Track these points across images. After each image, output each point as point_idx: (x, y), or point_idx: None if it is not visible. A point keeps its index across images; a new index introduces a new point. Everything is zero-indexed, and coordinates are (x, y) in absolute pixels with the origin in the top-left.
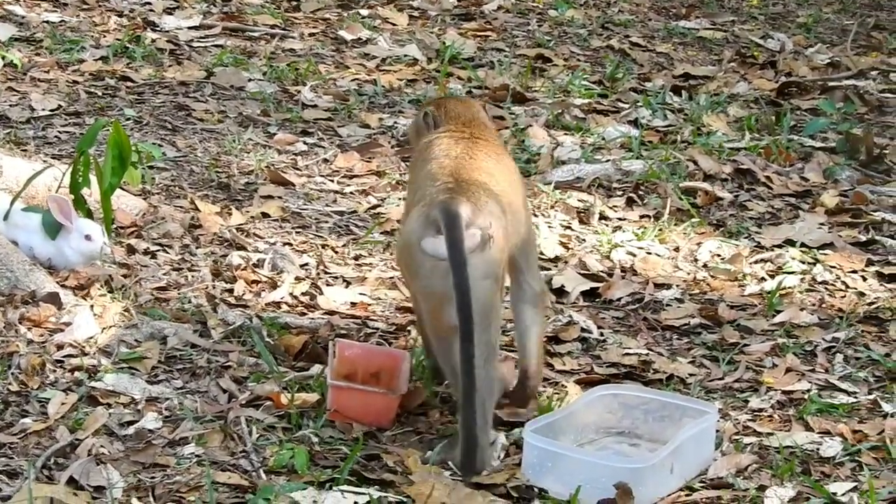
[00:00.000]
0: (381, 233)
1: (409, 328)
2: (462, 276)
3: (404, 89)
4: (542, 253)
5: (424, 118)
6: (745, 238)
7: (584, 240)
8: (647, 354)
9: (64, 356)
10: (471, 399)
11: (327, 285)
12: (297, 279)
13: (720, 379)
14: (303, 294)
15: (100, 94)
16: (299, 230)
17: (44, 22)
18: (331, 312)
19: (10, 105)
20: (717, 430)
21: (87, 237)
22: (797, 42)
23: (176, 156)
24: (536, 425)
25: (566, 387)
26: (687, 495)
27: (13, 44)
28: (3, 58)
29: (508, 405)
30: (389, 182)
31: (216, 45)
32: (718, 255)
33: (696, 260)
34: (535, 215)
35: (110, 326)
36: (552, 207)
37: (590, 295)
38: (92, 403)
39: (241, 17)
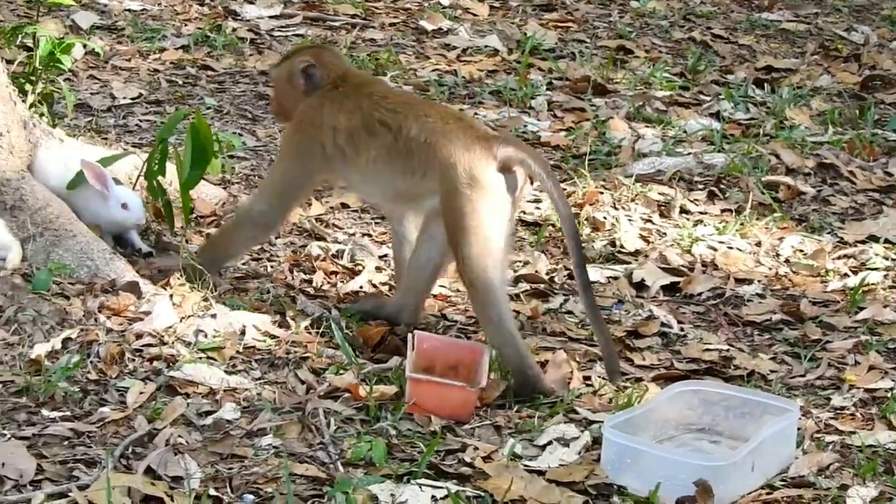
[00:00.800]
0: None
1: None
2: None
3: (485, 80)
4: (622, 246)
5: (307, 70)
6: (828, 233)
7: (664, 233)
8: (727, 350)
9: (143, 345)
10: (597, 313)
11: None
12: (377, 270)
13: (802, 376)
14: (381, 285)
15: (180, 82)
16: (378, 221)
17: (125, 10)
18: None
19: (92, 93)
20: (799, 428)
21: (124, 206)
22: (881, 35)
23: (255, 145)
24: (616, 421)
25: (645, 382)
26: (767, 493)
27: (95, 32)
28: (85, 46)
29: None
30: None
31: (297, 35)
32: (800, 251)
33: (777, 255)
34: (616, 208)
35: (189, 316)
36: (633, 200)
37: (670, 289)
38: (170, 393)
39: (322, 7)
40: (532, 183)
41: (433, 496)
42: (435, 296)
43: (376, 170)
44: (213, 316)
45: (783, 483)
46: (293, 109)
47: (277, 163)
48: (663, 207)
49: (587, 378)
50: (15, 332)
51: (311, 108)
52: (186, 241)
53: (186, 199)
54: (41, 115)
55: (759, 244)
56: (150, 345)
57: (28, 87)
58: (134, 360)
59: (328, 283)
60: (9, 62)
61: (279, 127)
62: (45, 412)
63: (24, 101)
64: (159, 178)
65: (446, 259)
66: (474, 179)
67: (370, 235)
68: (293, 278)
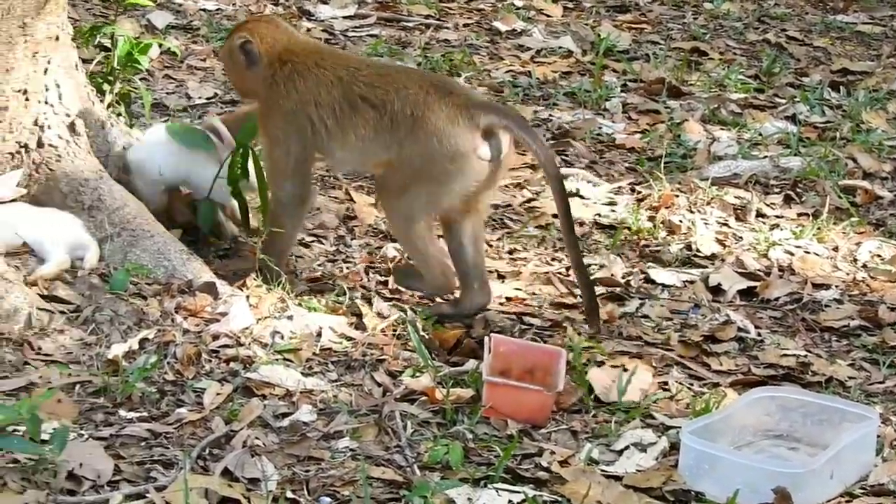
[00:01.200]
0: (536, 227)
1: (564, 324)
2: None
3: (559, 81)
4: (698, 250)
5: (244, 46)
6: None
7: (740, 237)
8: (805, 356)
9: (219, 346)
10: (583, 267)
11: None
12: None
13: (881, 382)
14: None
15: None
16: None
17: (200, 10)
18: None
19: (168, 93)
20: (878, 436)
21: None
22: None
23: None
24: (694, 427)
25: (723, 388)
26: (847, 501)
27: (170, 32)
28: (160, 45)
29: None
30: (544, 176)
31: (371, 35)
32: (878, 256)
33: (855, 260)
34: (691, 211)
35: (266, 317)
36: (708, 204)
37: (747, 294)
38: (247, 394)
39: (396, 7)
40: (517, 145)
41: (510, 500)
42: (510, 299)
43: (360, 146)
44: (290, 318)
45: (862, 491)
46: (252, 86)
47: (272, 146)
48: (739, 211)
49: (664, 383)
50: (92, 332)
51: (281, 83)
52: (263, 243)
53: (265, 200)
54: (118, 114)
55: (836, 249)
56: (226, 346)
57: (106, 87)
58: (211, 361)
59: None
60: (86, 62)
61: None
62: (122, 412)
63: (101, 101)
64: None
65: (476, 226)
66: (458, 154)
67: (443, 237)
68: (368, 280)
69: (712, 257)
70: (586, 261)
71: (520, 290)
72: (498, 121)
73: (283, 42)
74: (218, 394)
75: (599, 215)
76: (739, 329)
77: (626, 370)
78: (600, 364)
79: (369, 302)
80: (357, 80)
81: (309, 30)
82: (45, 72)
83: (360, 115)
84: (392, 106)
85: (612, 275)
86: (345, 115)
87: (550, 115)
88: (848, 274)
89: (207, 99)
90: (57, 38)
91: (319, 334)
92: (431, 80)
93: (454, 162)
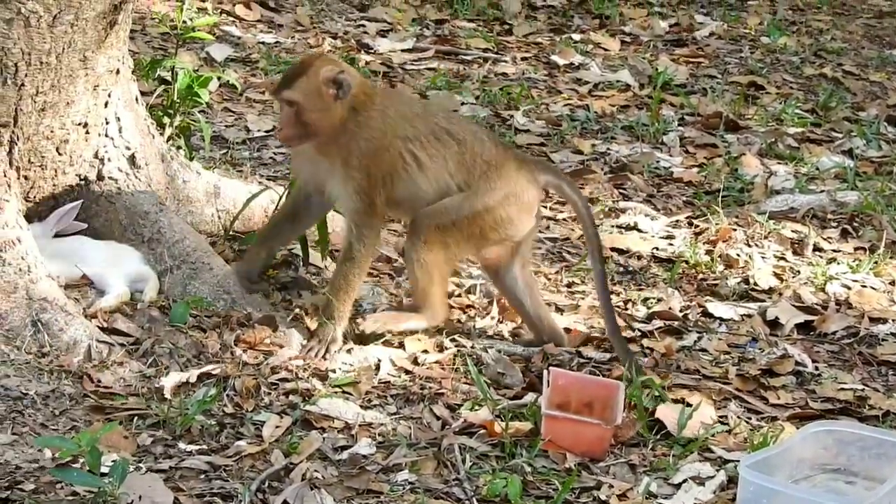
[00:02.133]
0: None
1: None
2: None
3: (616, 115)
4: (755, 284)
5: (337, 78)
6: None
7: (798, 271)
8: (862, 390)
9: (278, 379)
10: (612, 311)
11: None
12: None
13: None
14: (512, 322)
15: None
16: None
17: (259, 43)
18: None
19: (227, 125)
20: None
21: None
22: None
23: None
24: (752, 461)
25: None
26: None
27: (229, 64)
28: (219, 78)
29: None
30: (603, 209)
31: (429, 69)
32: None
33: None
34: (749, 245)
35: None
36: (766, 238)
37: (804, 328)
38: (306, 427)
39: (454, 41)
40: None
41: None
42: (569, 331)
43: (446, 180)
44: (349, 350)
45: None
46: (323, 126)
47: (359, 185)
48: (797, 245)
49: (722, 417)
50: (151, 364)
51: (365, 119)
52: (323, 275)
53: (324, 229)
54: (178, 147)
55: (893, 283)
56: (285, 379)
57: (165, 119)
58: (269, 393)
59: (462, 317)
60: (145, 94)
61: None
62: (181, 445)
63: (161, 133)
64: None
65: (526, 269)
66: (527, 206)
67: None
68: None
69: (770, 291)
70: (644, 294)
71: (579, 323)
72: (554, 181)
73: (357, 78)
74: (277, 426)
75: (657, 248)
76: (797, 363)
77: (687, 404)
78: (658, 398)
79: (428, 335)
80: (433, 115)
81: (367, 63)
82: (106, 105)
83: (447, 147)
84: (471, 146)
85: (670, 308)
86: (433, 147)
87: (608, 149)
88: None
89: (266, 132)
90: (117, 72)
91: (378, 367)
92: (488, 133)
93: (522, 211)
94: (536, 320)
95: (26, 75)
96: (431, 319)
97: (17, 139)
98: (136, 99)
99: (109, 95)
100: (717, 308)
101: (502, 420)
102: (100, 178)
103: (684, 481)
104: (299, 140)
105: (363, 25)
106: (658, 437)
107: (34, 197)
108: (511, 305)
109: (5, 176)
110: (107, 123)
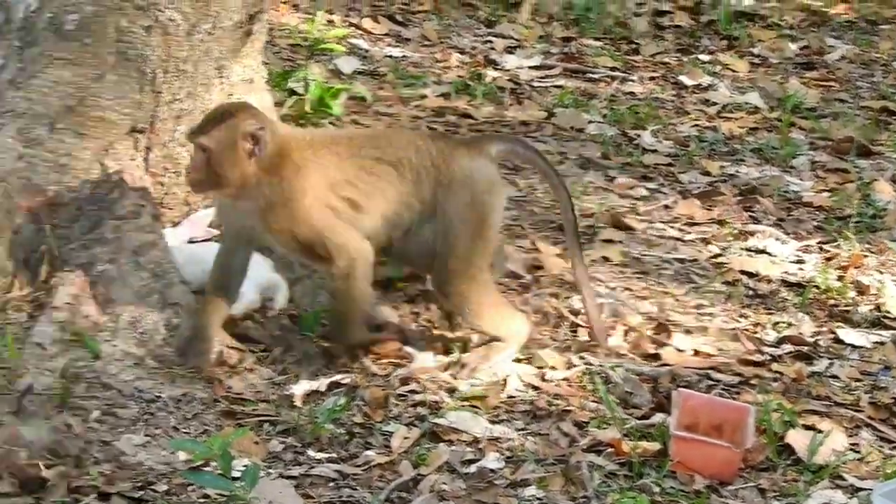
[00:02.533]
0: (723, 283)
1: (752, 381)
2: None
3: (745, 137)
4: (888, 311)
5: (256, 133)
6: None
7: None
8: None
9: (407, 391)
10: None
11: (667, 334)
12: (638, 326)
13: None
14: (643, 340)
15: (441, 129)
16: (639, 276)
17: (387, 56)
18: (670, 362)
19: None
20: None
21: None
22: None
23: (517, 195)
24: (885, 489)
25: None
26: None
27: (357, 77)
28: (347, 91)
29: None
30: (731, 231)
31: (556, 86)
32: None
33: None
34: (881, 272)
35: (453, 363)
36: None
37: None
38: (434, 440)
39: (582, 59)
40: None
41: None
42: (697, 352)
43: (389, 209)
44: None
45: None
46: (232, 180)
47: (311, 224)
48: None
49: (854, 444)
50: (282, 372)
51: (278, 181)
52: None
53: None
54: None
55: None
56: (414, 391)
57: None
58: (398, 405)
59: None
60: (276, 105)
61: (540, 178)
62: (310, 452)
63: None
64: None
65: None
66: (492, 184)
67: (630, 290)
68: (556, 332)
69: None
70: (773, 318)
71: (707, 345)
72: (506, 147)
73: (278, 135)
74: (405, 438)
75: (787, 273)
76: None
77: (817, 431)
78: (788, 423)
79: (557, 351)
80: (360, 148)
81: (494, 79)
82: None
83: (382, 176)
84: (408, 162)
85: (801, 333)
86: (365, 183)
87: (737, 171)
88: None
89: None
90: (251, 81)
91: (506, 382)
92: (420, 134)
93: (493, 194)
94: None
95: (163, 82)
96: (517, 338)
97: (153, 145)
98: (270, 109)
99: None
100: (848, 335)
101: (630, 439)
102: None
103: None
104: (207, 188)
105: (490, 41)
106: (788, 462)
107: (168, 203)
108: None
109: (141, 181)
110: None
